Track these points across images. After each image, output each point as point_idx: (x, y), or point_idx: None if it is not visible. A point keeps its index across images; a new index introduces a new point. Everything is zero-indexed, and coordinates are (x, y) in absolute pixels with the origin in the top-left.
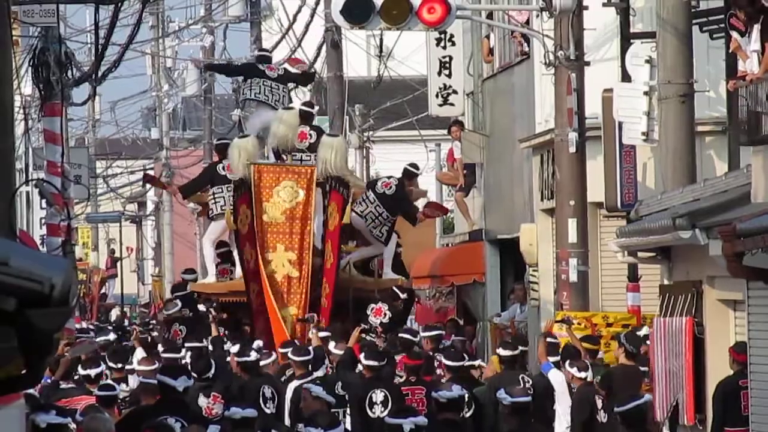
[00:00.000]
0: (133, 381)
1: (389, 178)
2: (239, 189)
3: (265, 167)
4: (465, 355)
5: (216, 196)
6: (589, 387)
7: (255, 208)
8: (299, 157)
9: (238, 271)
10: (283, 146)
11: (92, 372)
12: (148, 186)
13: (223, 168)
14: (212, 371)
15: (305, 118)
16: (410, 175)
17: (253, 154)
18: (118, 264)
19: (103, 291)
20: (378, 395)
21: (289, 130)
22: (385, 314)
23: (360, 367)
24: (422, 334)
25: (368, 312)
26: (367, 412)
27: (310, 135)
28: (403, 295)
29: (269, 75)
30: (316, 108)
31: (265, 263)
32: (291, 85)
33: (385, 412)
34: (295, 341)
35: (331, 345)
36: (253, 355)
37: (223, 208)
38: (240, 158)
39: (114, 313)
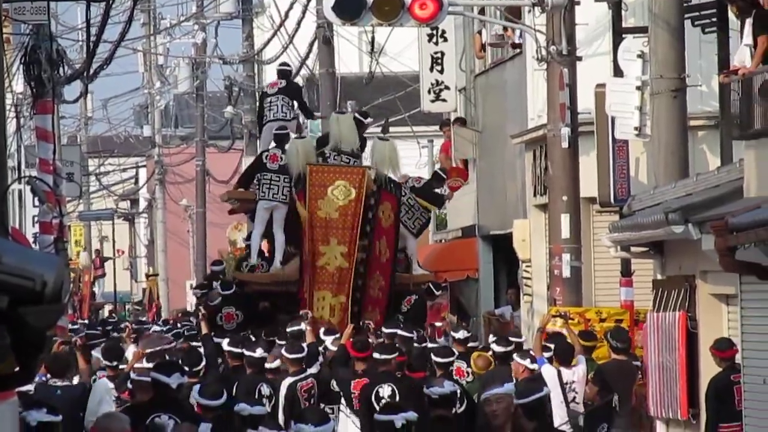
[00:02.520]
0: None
1: (420, 177)
2: (296, 186)
3: (320, 167)
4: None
5: (257, 183)
6: (535, 380)
7: (309, 205)
8: (341, 159)
9: (276, 264)
10: (341, 146)
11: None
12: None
13: (267, 157)
14: (202, 364)
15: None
16: (440, 178)
17: (310, 154)
18: (108, 263)
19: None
20: (385, 390)
21: (348, 133)
22: (411, 302)
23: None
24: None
25: (401, 303)
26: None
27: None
28: (438, 292)
29: (270, 92)
30: (369, 119)
31: (319, 255)
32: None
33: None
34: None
35: (328, 341)
36: (259, 352)
37: (258, 196)
38: (298, 157)
39: (106, 311)
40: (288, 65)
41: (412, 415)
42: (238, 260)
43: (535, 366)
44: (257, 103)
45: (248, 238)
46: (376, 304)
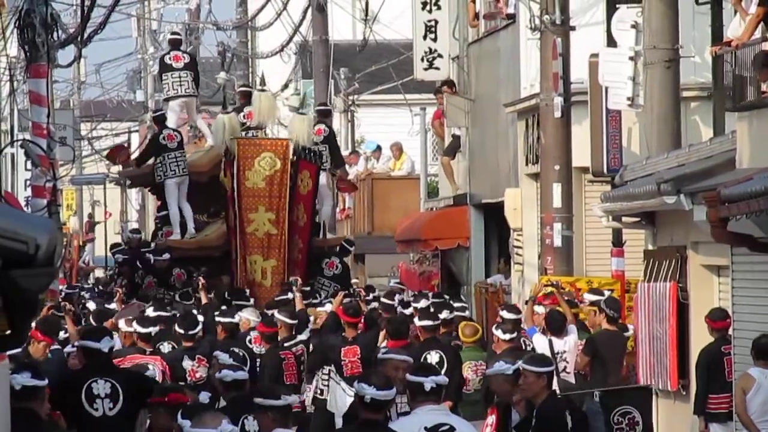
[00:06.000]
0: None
1: (317, 125)
2: (225, 157)
3: (247, 141)
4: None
5: (159, 164)
6: (516, 351)
7: (237, 176)
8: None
9: (191, 231)
10: (261, 123)
11: (149, 330)
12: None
13: (164, 138)
14: (199, 328)
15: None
16: (326, 113)
17: (235, 129)
18: (98, 227)
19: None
20: (433, 356)
21: (268, 109)
22: (337, 266)
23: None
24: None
25: (323, 266)
26: None
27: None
28: (351, 247)
29: (176, 66)
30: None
31: (248, 222)
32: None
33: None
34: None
35: (328, 308)
36: (237, 318)
37: (166, 174)
38: (224, 132)
39: (95, 276)
40: (179, 34)
41: (442, 379)
42: (154, 230)
43: (507, 336)
44: (158, 72)
45: (159, 210)
46: (296, 266)
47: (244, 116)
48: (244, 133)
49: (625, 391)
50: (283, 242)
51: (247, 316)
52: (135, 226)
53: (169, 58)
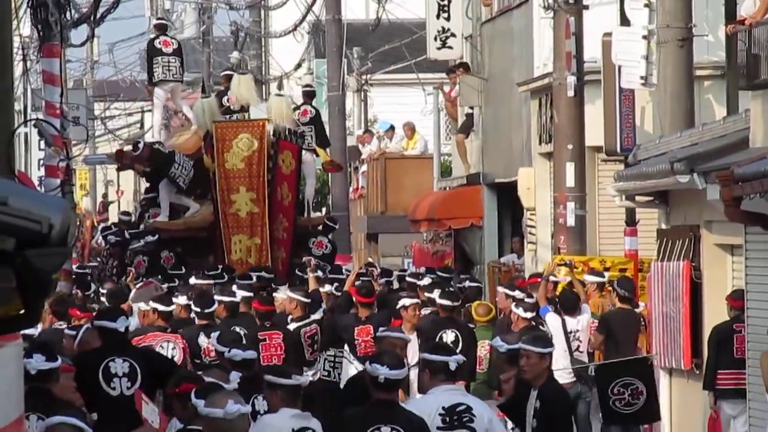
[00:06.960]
0: (133, 320)
1: (302, 106)
2: (205, 141)
3: (224, 123)
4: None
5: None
6: (533, 330)
7: (217, 158)
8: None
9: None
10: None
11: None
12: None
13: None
14: (214, 307)
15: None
16: (311, 94)
17: (215, 112)
18: (112, 207)
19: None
20: (449, 335)
21: (246, 92)
22: (326, 246)
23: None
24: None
25: (310, 245)
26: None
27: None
28: (336, 225)
29: (165, 51)
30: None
31: (230, 203)
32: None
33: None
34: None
35: (327, 287)
36: (239, 296)
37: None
38: (204, 115)
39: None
40: (165, 19)
41: (461, 358)
42: (141, 212)
43: (529, 315)
44: (146, 54)
45: (146, 192)
46: (282, 244)
47: (227, 100)
48: (227, 117)
49: (621, 363)
50: (264, 220)
51: (281, 296)
52: (130, 208)
53: (159, 43)
